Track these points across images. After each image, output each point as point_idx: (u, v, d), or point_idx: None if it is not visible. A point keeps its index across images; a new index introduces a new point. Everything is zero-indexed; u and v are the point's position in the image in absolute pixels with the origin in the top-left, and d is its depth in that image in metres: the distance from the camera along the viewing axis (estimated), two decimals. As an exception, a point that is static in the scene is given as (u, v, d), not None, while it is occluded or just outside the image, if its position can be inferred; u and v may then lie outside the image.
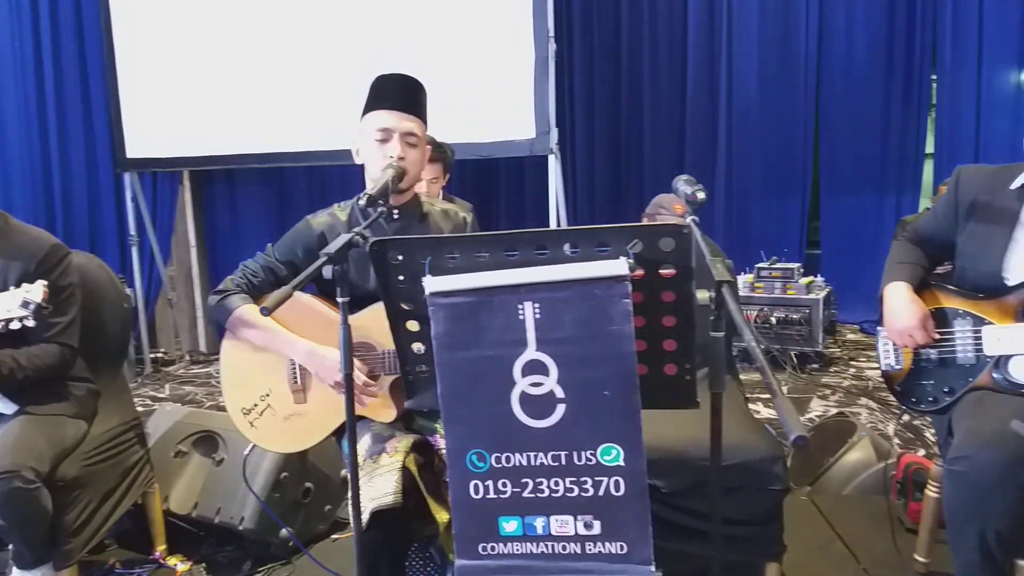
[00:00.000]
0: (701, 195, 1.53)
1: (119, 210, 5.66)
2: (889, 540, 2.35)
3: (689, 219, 1.55)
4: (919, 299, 1.96)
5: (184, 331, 6.12)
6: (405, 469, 1.70)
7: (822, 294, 4.90)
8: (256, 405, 1.90)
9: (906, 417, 3.54)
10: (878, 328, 2.10)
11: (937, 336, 1.94)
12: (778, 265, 5.15)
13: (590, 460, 1.20)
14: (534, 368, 1.20)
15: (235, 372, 1.94)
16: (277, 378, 1.90)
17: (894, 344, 2.04)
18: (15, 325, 1.87)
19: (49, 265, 2.10)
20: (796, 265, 5.14)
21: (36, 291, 1.88)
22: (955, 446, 1.78)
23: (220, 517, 2.42)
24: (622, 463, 1.19)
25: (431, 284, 1.19)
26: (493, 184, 6.43)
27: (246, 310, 1.88)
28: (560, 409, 1.20)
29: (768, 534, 2.05)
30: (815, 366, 4.89)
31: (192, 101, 5.12)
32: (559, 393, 1.20)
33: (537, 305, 1.18)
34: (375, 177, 1.83)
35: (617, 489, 1.20)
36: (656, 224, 1.17)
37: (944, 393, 1.95)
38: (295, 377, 1.89)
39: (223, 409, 2.04)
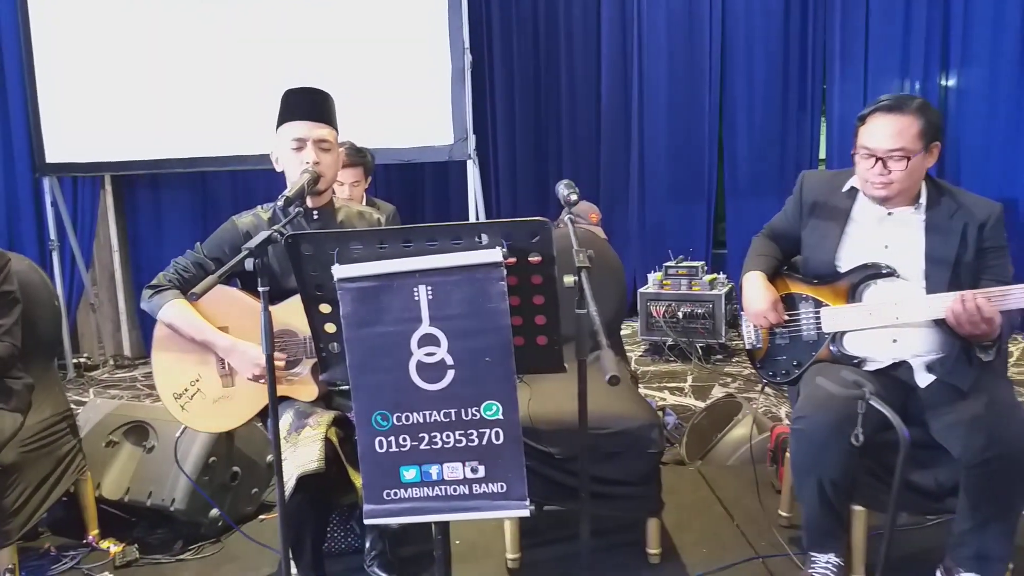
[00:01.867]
0: (574, 197, 1.80)
1: (38, 215, 5.63)
2: (764, 503, 2.68)
3: (566, 217, 1.83)
4: (771, 286, 2.28)
5: (108, 336, 6.10)
6: (327, 440, 1.92)
7: (724, 290, 5.27)
8: (187, 390, 2.09)
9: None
10: (741, 312, 2.42)
11: (786, 317, 2.26)
12: (684, 264, 5.52)
13: (475, 415, 1.45)
14: (428, 340, 1.44)
15: (167, 360, 2.12)
16: (206, 365, 2.09)
17: (754, 325, 2.36)
18: None
19: None
20: (700, 263, 5.51)
21: None
22: (796, 408, 2.10)
23: (152, 500, 2.57)
24: (501, 416, 1.45)
25: (339, 271, 1.42)
26: (419, 187, 6.65)
27: (177, 304, 2.06)
28: (450, 374, 1.44)
29: (648, 493, 2.34)
30: (719, 357, 5.26)
31: (113, 105, 5.17)
32: (449, 361, 1.44)
33: (429, 288, 1.42)
34: (294, 181, 2.04)
35: (497, 438, 1.45)
36: (522, 220, 1.42)
37: (794, 366, 2.27)
38: (223, 363, 2.08)
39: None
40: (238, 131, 4.98)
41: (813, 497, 2.08)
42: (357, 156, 3.29)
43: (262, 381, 2.01)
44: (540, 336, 1.52)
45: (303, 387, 2.05)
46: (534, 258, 1.44)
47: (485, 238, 1.40)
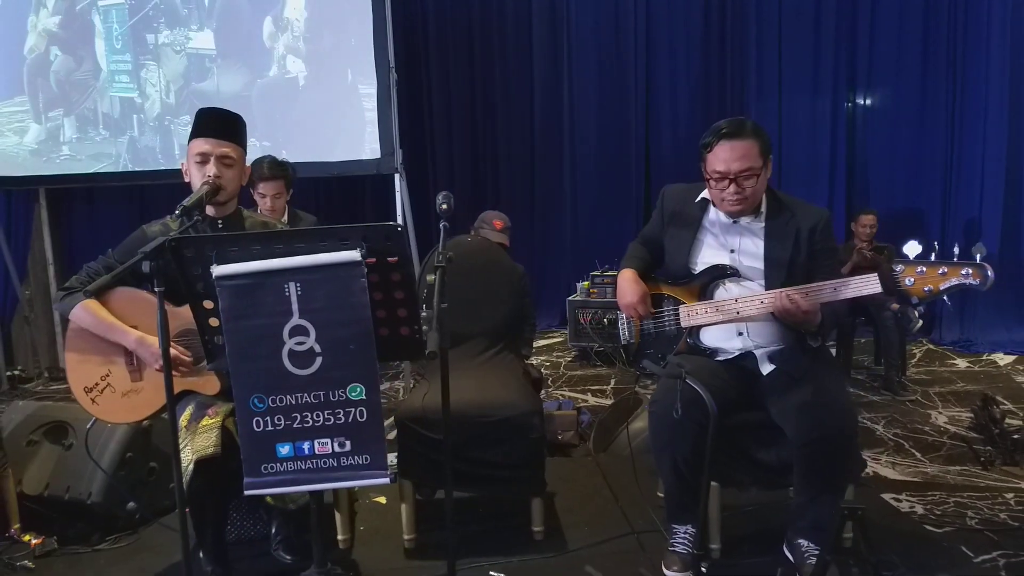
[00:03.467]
0: (444, 206, 2.03)
1: (-30, 229, 5.70)
2: (644, 485, 2.93)
3: (442, 223, 2.06)
4: (641, 282, 2.53)
5: (43, 348, 6.14)
6: (224, 428, 2.10)
7: (647, 298, 5.51)
8: (97, 384, 2.26)
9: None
10: (619, 311, 2.67)
11: (653, 312, 2.52)
12: (609, 273, 5.78)
13: (341, 396, 1.67)
14: (298, 331, 1.65)
15: (78, 355, 2.29)
16: (115, 361, 2.27)
17: (627, 320, 2.61)
18: None
19: None
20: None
21: None
22: (653, 395, 2.36)
23: (70, 494, 2.72)
24: (364, 397, 1.66)
25: (217, 270, 1.63)
26: (360, 198, 6.84)
27: (88, 304, 2.23)
28: (318, 360, 1.66)
29: (531, 475, 2.57)
30: (642, 362, 5.52)
31: (48, 119, 5.27)
32: (317, 349, 1.66)
33: (299, 284, 1.63)
34: (197, 189, 2.22)
35: (362, 416, 1.67)
36: (377, 224, 1.64)
37: (659, 359, 2.53)
38: (132, 359, 2.26)
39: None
40: (173, 145, 5.14)
41: (669, 473, 2.33)
42: (278, 169, 3.48)
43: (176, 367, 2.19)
44: (403, 327, 1.74)
45: (206, 381, 2.23)
46: (392, 258, 1.66)
47: (347, 240, 1.62)
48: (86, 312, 2.22)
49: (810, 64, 6.36)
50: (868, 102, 6.42)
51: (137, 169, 5.29)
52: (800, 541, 2.32)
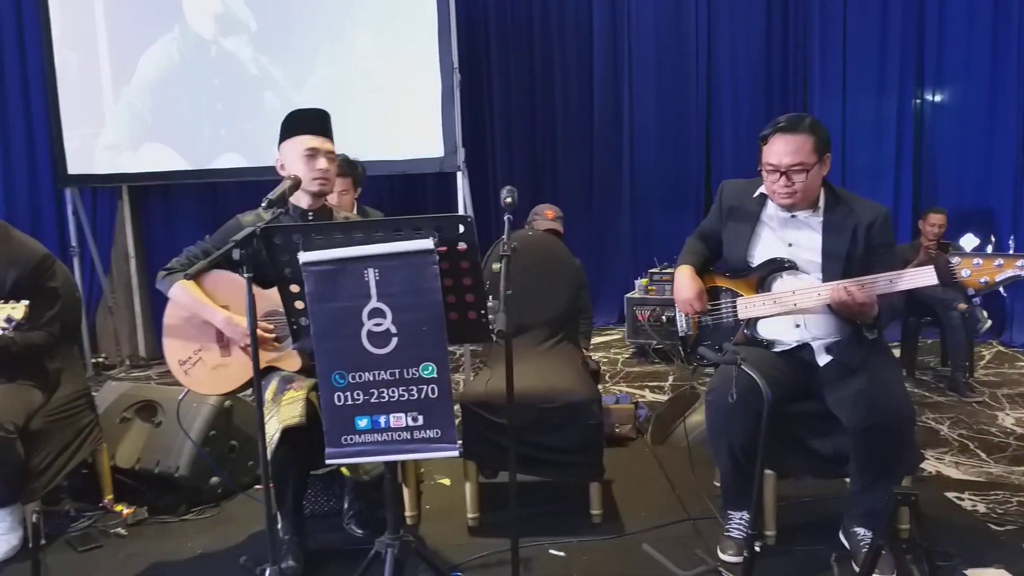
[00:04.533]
0: (509, 200, 2.14)
1: (60, 224, 6.02)
2: (701, 475, 2.99)
3: (506, 216, 2.17)
4: (698, 278, 2.60)
5: (124, 337, 6.48)
6: (308, 400, 2.25)
7: (706, 296, 5.54)
8: (190, 358, 2.46)
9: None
10: (676, 305, 2.74)
11: (709, 307, 2.59)
12: (668, 270, 5.81)
13: (414, 374, 1.79)
14: (376, 314, 1.78)
15: (175, 331, 2.50)
16: (208, 337, 2.47)
17: (684, 314, 2.68)
18: None
19: (41, 270, 2.61)
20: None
21: (20, 310, 2.31)
22: (709, 383, 2.42)
23: (159, 468, 2.93)
24: (436, 375, 1.78)
25: (304, 257, 1.77)
26: (421, 196, 7.01)
27: (185, 284, 2.42)
28: (394, 341, 1.79)
29: (589, 460, 2.66)
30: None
31: (130, 120, 5.58)
32: (393, 330, 1.78)
33: (377, 270, 1.76)
34: (303, 182, 2.39)
35: (433, 393, 1.79)
36: (450, 215, 1.76)
37: (716, 351, 2.59)
38: (222, 336, 2.45)
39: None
40: (245, 145, 5.38)
41: (725, 460, 2.40)
42: (348, 168, 3.64)
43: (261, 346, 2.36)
44: (471, 312, 1.86)
45: (289, 359, 2.40)
46: (461, 246, 1.78)
47: (421, 230, 1.74)
48: (183, 292, 2.42)
49: (876, 60, 6.28)
50: (936, 99, 6.30)
51: (210, 167, 5.55)
52: (856, 529, 2.37)
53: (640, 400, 4.47)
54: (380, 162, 5.06)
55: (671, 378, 5.19)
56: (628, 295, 5.83)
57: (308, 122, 2.47)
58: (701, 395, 3.77)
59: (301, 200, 2.48)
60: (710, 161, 6.76)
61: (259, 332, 2.29)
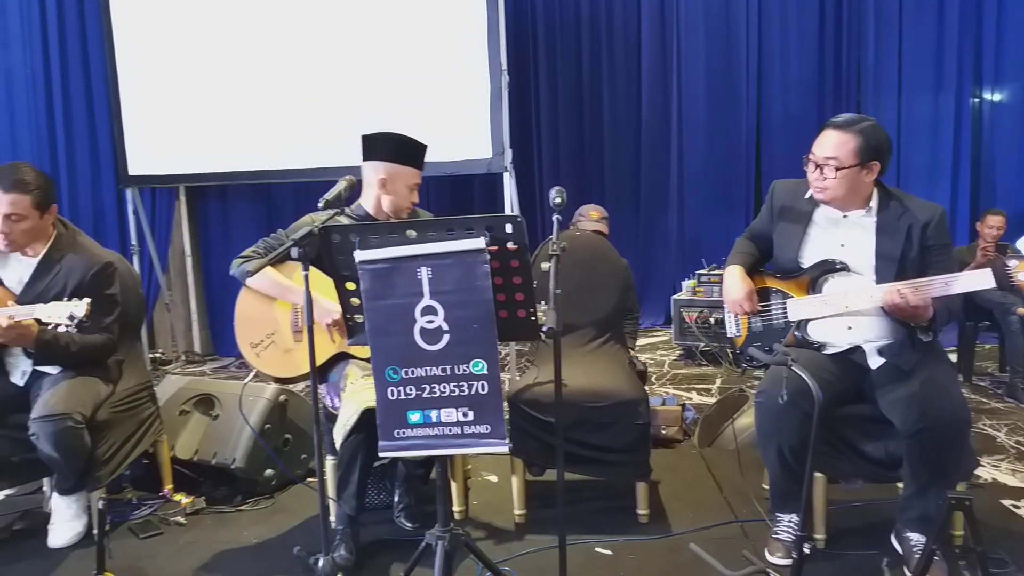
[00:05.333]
0: (558, 200, 2.16)
1: (121, 222, 6.22)
2: (750, 477, 2.98)
3: (555, 216, 2.19)
4: (748, 279, 2.59)
5: (180, 334, 6.67)
6: None
7: (755, 298, 5.48)
8: (262, 341, 2.57)
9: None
10: (725, 305, 2.73)
11: (760, 308, 2.58)
12: (717, 271, 5.77)
13: (465, 370, 1.82)
14: (428, 311, 1.82)
15: (247, 315, 2.61)
16: (282, 321, 2.58)
17: (734, 315, 2.67)
18: (61, 329, 2.45)
19: (101, 277, 2.71)
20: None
21: (81, 308, 2.43)
22: (759, 384, 2.41)
23: (216, 459, 3.02)
24: (486, 372, 1.82)
25: (360, 255, 1.82)
26: (469, 197, 7.08)
27: (265, 270, 2.50)
28: (445, 338, 1.82)
29: (636, 459, 2.67)
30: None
31: (188, 122, 5.74)
32: (445, 327, 1.82)
33: (429, 268, 1.80)
34: (397, 207, 2.64)
35: (483, 389, 1.82)
36: (501, 215, 1.79)
37: (766, 352, 2.58)
38: (296, 321, 2.54)
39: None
40: (300, 147, 5.49)
41: (774, 462, 2.39)
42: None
43: (335, 329, 2.51)
44: (520, 310, 1.89)
45: (362, 346, 2.47)
46: (512, 246, 1.81)
47: (472, 230, 1.78)
48: (263, 277, 2.53)
49: (932, 58, 6.14)
50: (995, 97, 6.14)
51: (265, 168, 5.68)
52: (908, 534, 2.33)
53: (687, 402, 4.45)
54: (429, 163, 5.11)
55: (719, 380, 5.16)
56: (675, 296, 5.80)
57: (419, 157, 2.68)
58: (750, 397, 3.75)
59: (380, 214, 2.66)
60: (760, 161, 6.69)
61: (337, 320, 2.43)
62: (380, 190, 2.63)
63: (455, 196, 7.04)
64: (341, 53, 5.38)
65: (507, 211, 5.21)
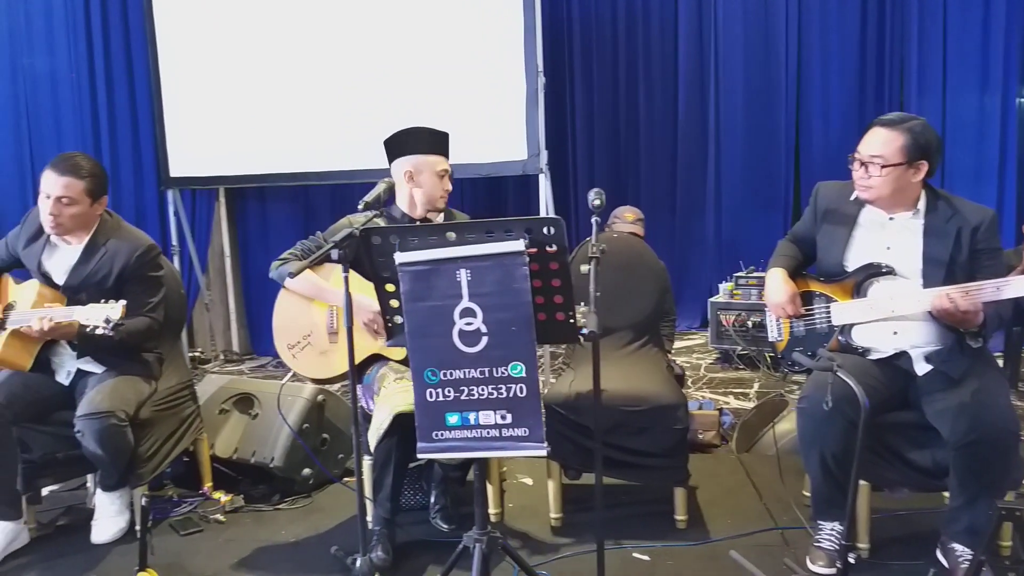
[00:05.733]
0: (597, 202, 2.15)
1: (162, 223, 6.31)
2: (790, 484, 2.93)
3: (593, 218, 2.18)
4: (790, 281, 2.55)
5: (219, 333, 6.75)
6: None
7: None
8: (299, 342, 2.59)
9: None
10: (766, 309, 2.69)
11: (803, 311, 2.53)
12: (755, 274, 5.69)
13: (503, 373, 1.82)
14: (467, 313, 1.82)
15: (285, 317, 2.64)
16: (318, 324, 2.60)
17: (776, 319, 2.63)
18: (98, 331, 2.46)
19: (146, 259, 2.76)
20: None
21: (117, 311, 2.46)
22: (802, 390, 2.37)
23: (255, 458, 3.05)
24: (524, 375, 1.81)
25: (400, 257, 1.82)
26: (503, 199, 7.07)
27: (306, 273, 2.51)
28: (484, 339, 1.82)
29: (674, 464, 2.64)
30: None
31: (228, 125, 5.82)
32: (483, 329, 1.81)
33: (468, 271, 1.80)
34: (430, 197, 2.64)
35: (521, 392, 1.81)
36: (541, 217, 1.78)
37: (809, 356, 2.53)
38: (332, 324, 2.56)
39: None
40: (337, 149, 5.54)
41: (816, 469, 2.34)
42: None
43: (375, 326, 2.51)
44: (559, 313, 1.87)
45: (396, 348, 2.47)
46: (551, 248, 1.79)
47: (512, 232, 1.77)
48: (302, 279, 2.54)
49: (978, 57, 5.98)
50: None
51: (302, 170, 5.74)
52: (954, 545, 2.28)
53: (724, 407, 4.39)
54: (464, 165, 5.13)
55: (756, 384, 5.08)
56: (712, 299, 5.73)
57: (441, 144, 2.66)
58: (789, 403, 3.69)
59: (415, 210, 2.65)
60: (799, 162, 6.58)
61: (374, 318, 2.44)
62: (409, 184, 2.64)
63: (489, 198, 7.03)
64: (377, 56, 5.41)
65: (542, 212, 5.19)
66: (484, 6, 5.12)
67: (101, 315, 2.47)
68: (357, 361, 2.52)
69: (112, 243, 2.74)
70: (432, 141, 2.65)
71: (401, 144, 2.65)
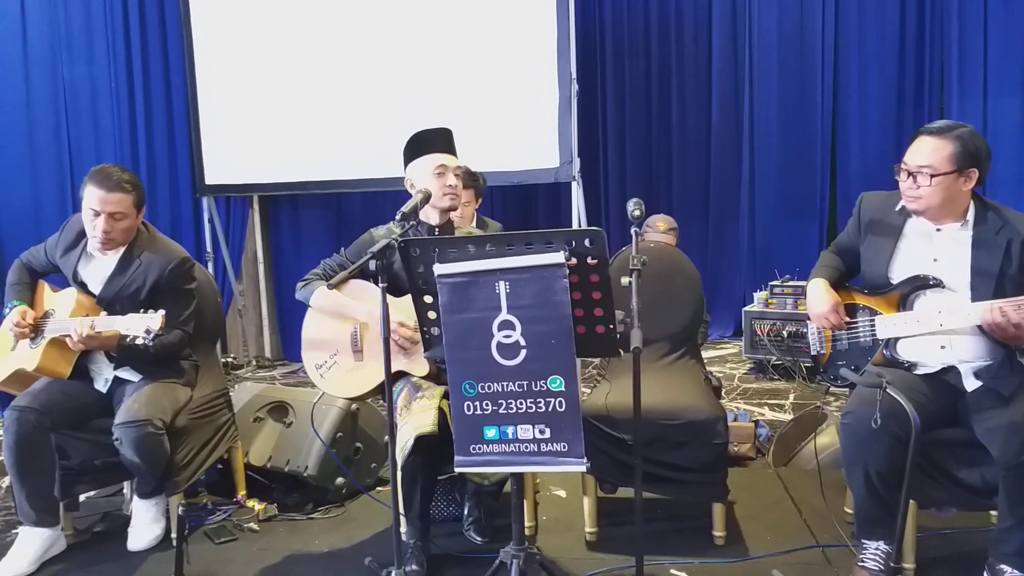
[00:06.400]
0: (637, 212, 2.11)
1: (197, 230, 6.42)
2: (831, 499, 2.86)
3: (632, 230, 2.14)
4: (833, 291, 2.50)
5: (251, 339, 6.81)
6: (440, 409, 2.30)
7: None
8: (326, 362, 2.57)
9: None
10: (808, 321, 2.63)
11: (847, 322, 2.47)
12: (790, 283, 5.59)
13: (542, 386, 1.79)
14: (506, 325, 1.80)
15: (312, 337, 2.63)
16: (343, 342, 2.58)
17: (818, 330, 2.57)
18: (139, 341, 2.52)
19: (179, 272, 2.79)
20: (807, 283, 5.55)
21: (157, 321, 2.50)
22: (846, 405, 2.31)
23: (289, 467, 3.06)
24: (563, 389, 1.78)
25: (439, 269, 1.81)
26: (533, 206, 7.04)
27: (325, 291, 2.55)
28: (523, 353, 1.80)
29: (713, 479, 2.59)
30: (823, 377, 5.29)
31: (262, 133, 5.88)
32: (522, 342, 1.79)
33: (507, 283, 1.78)
34: (436, 198, 2.52)
35: (560, 407, 1.79)
36: (581, 229, 1.76)
37: (852, 370, 2.47)
38: (356, 342, 2.55)
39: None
40: (369, 157, 5.56)
41: (861, 486, 2.27)
42: (470, 179, 3.72)
43: (397, 338, 2.46)
44: (599, 326, 1.85)
45: (418, 364, 2.46)
46: (592, 260, 1.77)
47: (552, 244, 1.75)
48: (324, 297, 2.56)
49: (1019, 63, 5.86)
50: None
51: (335, 178, 5.77)
52: (1003, 567, 2.20)
53: (759, 418, 4.32)
54: (496, 173, 5.13)
55: (792, 396, 4.99)
56: (746, 308, 5.65)
57: (436, 141, 2.58)
58: (828, 415, 3.62)
59: (431, 216, 2.59)
60: (835, 170, 6.48)
61: (406, 332, 2.41)
62: (415, 192, 2.57)
63: (519, 206, 7.01)
64: (410, 64, 5.42)
65: (574, 221, 5.17)
66: (518, 13, 5.12)
67: (142, 325, 2.50)
68: (381, 380, 2.51)
69: (147, 255, 2.77)
70: (422, 142, 2.58)
71: (404, 158, 2.63)
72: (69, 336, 2.59)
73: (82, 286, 2.78)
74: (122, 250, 2.77)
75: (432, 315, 1.93)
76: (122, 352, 2.70)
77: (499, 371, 1.81)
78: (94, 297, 2.75)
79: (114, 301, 2.71)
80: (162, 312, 2.52)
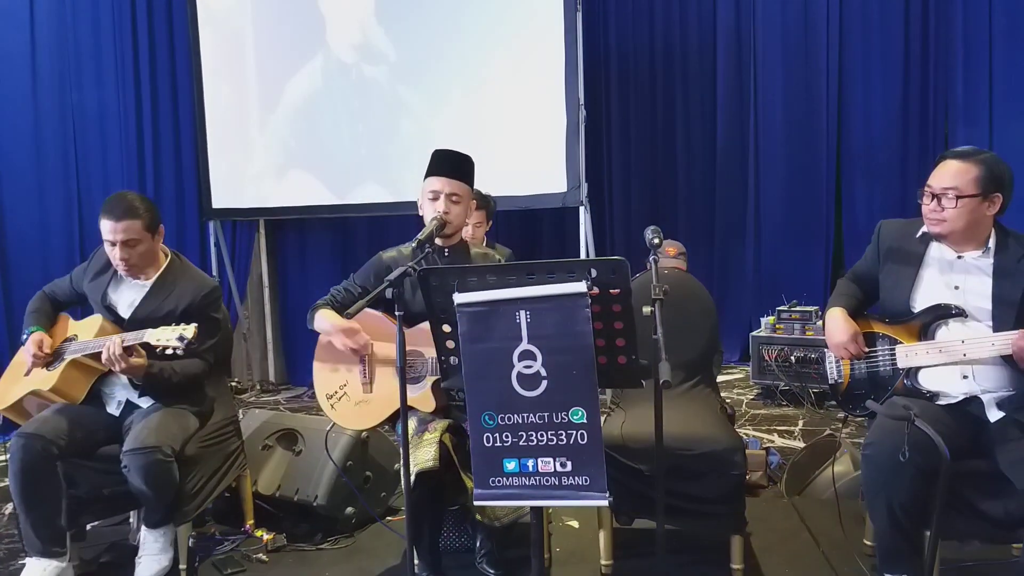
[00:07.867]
0: (656, 240, 2.09)
1: (203, 254, 6.41)
2: (849, 530, 2.81)
3: (651, 258, 2.12)
4: (851, 320, 2.47)
5: (256, 363, 6.76)
6: (442, 443, 2.27)
7: (840, 336, 5.24)
8: (336, 392, 2.54)
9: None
10: (825, 350, 2.60)
11: (866, 351, 2.44)
12: (798, 308, 5.56)
13: (564, 418, 1.76)
14: (526, 355, 1.77)
15: (323, 367, 2.59)
16: (352, 373, 2.54)
17: (836, 359, 2.54)
18: (169, 351, 2.53)
19: (210, 300, 2.80)
20: (815, 308, 5.52)
21: (190, 330, 2.51)
22: (867, 435, 2.28)
23: (298, 496, 3.01)
24: (585, 421, 1.75)
25: (458, 298, 1.78)
26: (538, 232, 7.04)
27: (326, 311, 2.55)
28: (544, 383, 1.77)
29: (731, 511, 2.54)
30: (832, 403, 5.23)
31: (269, 158, 5.89)
32: (543, 372, 1.76)
33: (528, 312, 1.75)
34: (440, 219, 2.47)
35: (582, 439, 1.75)
36: (603, 259, 1.73)
37: (872, 400, 2.44)
38: (365, 373, 2.51)
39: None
40: (374, 182, 5.57)
41: (883, 519, 2.23)
42: (481, 201, 3.72)
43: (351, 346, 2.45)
44: (621, 356, 1.82)
45: (424, 400, 2.43)
46: (614, 290, 1.74)
47: (574, 273, 1.73)
48: (324, 316, 2.54)
49: (1025, 89, 5.87)
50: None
51: (344, 202, 5.77)
52: (1031, 603, 2.16)
53: (769, 445, 4.27)
54: (504, 197, 5.12)
55: (801, 422, 4.95)
56: (753, 333, 5.61)
57: (442, 164, 2.57)
58: (843, 444, 3.57)
59: (443, 238, 2.56)
60: (840, 194, 6.47)
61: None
62: (422, 212, 2.59)
63: (524, 230, 7.01)
64: (419, 90, 5.44)
65: (581, 245, 5.15)
66: (525, 39, 5.14)
67: (174, 335, 2.49)
68: (390, 412, 2.49)
69: (180, 284, 2.79)
70: (432, 163, 2.59)
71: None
72: (100, 352, 2.57)
73: (109, 310, 2.78)
74: (155, 276, 2.78)
75: (450, 344, 1.91)
76: (147, 381, 2.68)
77: (519, 402, 1.78)
78: (120, 325, 2.74)
79: (143, 324, 2.69)
80: (195, 324, 2.53)
